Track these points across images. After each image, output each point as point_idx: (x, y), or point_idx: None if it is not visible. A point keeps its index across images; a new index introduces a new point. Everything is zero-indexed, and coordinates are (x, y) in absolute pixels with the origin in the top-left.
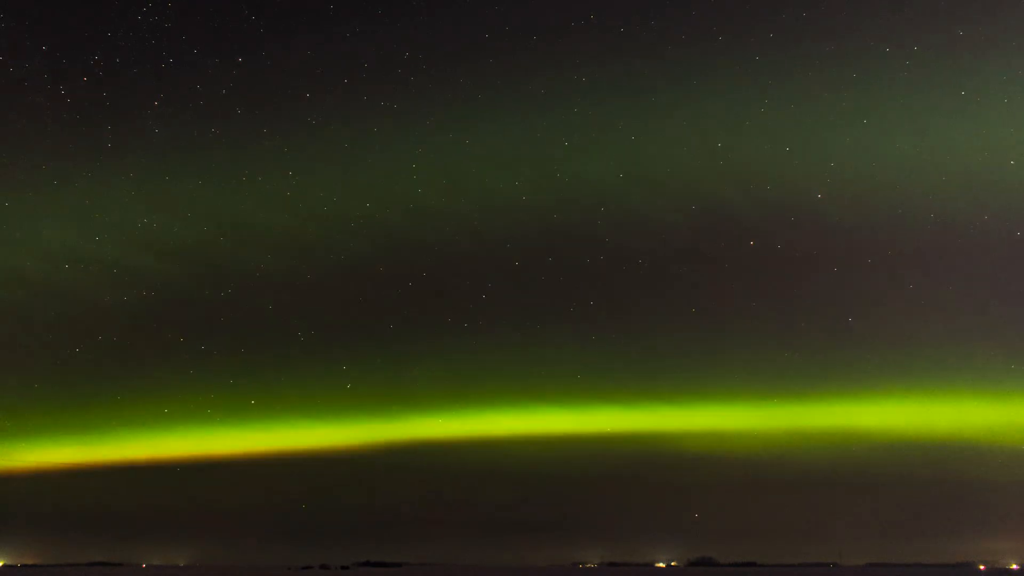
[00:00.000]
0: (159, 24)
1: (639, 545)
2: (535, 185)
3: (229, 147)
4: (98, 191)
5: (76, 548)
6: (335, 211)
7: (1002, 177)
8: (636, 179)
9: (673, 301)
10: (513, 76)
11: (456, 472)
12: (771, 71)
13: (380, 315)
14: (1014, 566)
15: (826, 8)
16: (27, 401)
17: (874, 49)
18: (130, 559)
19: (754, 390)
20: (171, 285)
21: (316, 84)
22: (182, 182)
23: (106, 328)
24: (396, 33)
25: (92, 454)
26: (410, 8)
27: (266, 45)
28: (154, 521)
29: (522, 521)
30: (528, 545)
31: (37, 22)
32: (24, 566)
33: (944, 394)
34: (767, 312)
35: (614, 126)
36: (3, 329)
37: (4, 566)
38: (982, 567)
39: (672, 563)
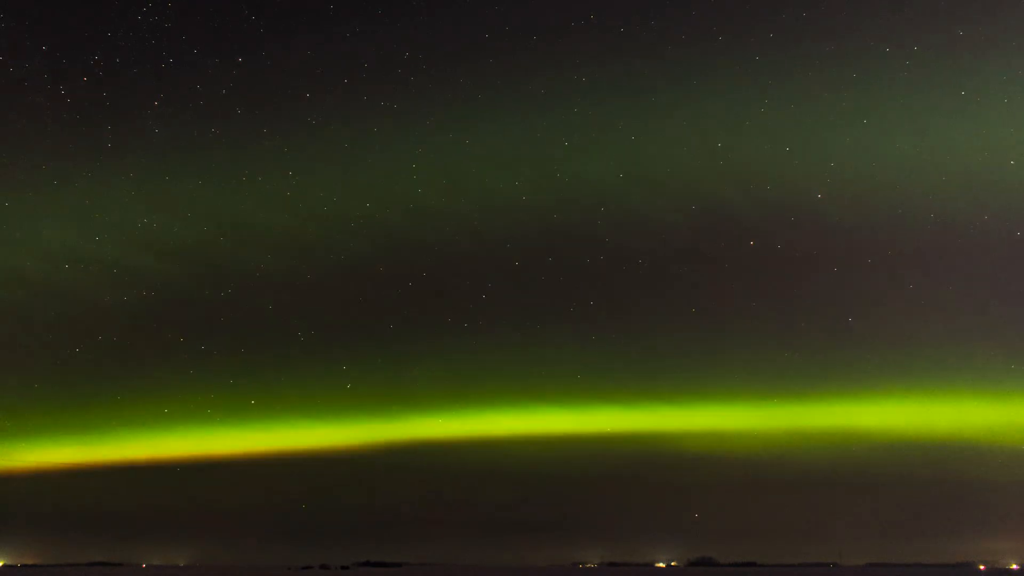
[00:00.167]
0: (159, 24)
1: (639, 545)
2: (535, 185)
3: (229, 147)
4: (98, 191)
5: (76, 548)
6: (335, 211)
7: (1002, 177)
8: (636, 179)
9: (673, 301)
10: (513, 76)
11: (456, 472)
12: (771, 71)
13: (380, 315)
14: (1014, 566)
15: (826, 8)
16: (27, 401)
17: (874, 49)
18: (130, 559)
19: (754, 390)
20: (171, 285)
21: (316, 84)
22: (182, 182)
23: (106, 328)
24: (396, 33)
25: (92, 454)
26: (410, 8)
27: (266, 45)
28: (154, 521)
29: (522, 521)
30: (528, 545)
31: (37, 22)
32: (24, 566)
33: (944, 394)
34: (767, 312)
35: (614, 126)
36: (3, 329)
37: (4, 566)
38: (982, 567)
39: (672, 563)
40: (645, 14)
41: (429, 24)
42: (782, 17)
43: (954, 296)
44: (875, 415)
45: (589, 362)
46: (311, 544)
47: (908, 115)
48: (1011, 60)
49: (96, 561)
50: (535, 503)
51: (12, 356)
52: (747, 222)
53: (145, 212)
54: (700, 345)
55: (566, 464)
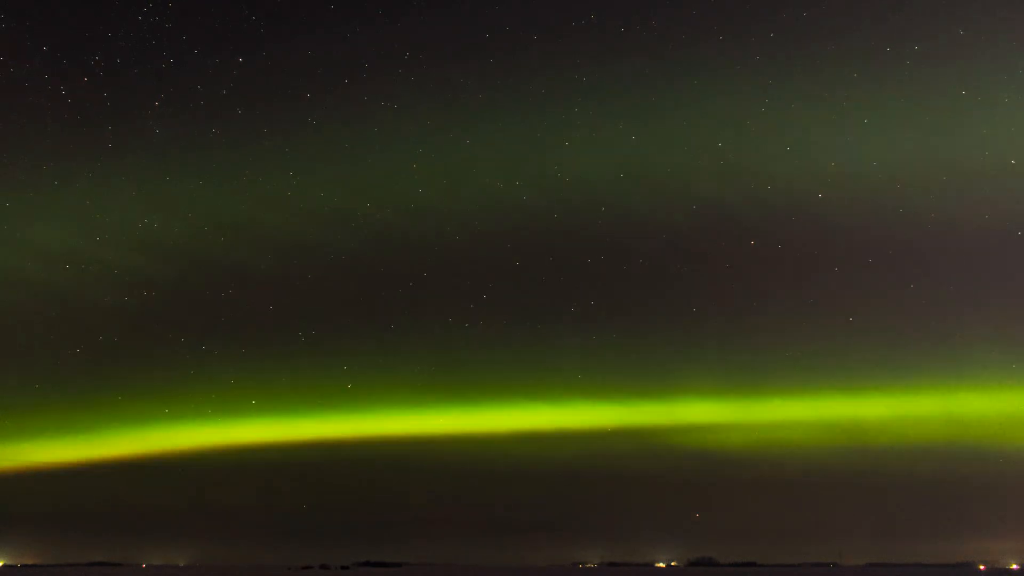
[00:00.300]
0: (159, 24)
1: (639, 545)
2: (535, 185)
3: (229, 147)
4: (99, 191)
5: (76, 548)
6: (335, 211)
7: (1002, 177)
8: (636, 179)
9: (673, 301)
10: (513, 76)
11: (456, 472)
12: (771, 71)
13: (380, 315)
14: (1014, 566)
15: (826, 8)
16: (27, 401)
17: (874, 49)
18: (130, 559)
19: (755, 390)
20: (171, 285)
21: (316, 84)
22: (182, 182)
23: (106, 328)
24: (396, 33)
25: (92, 454)
26: (410, 8)
27: (266, 45)
28: (154, 521)
29: (522, 521)
30: (528, 545)
31: (37, 22)
32: (24, 566)
33: (944, 394)
34: (767, 312)
35: (614, 126)
36: (3, 329)
37: (4, 566)
38: (982, 567)
39: (672, 563)
40: (645, 14)
41: (429, 24)
42: (782, 17)
43: (954, 296)
44: (875, 415)
45: (589, 362)
46: (311, 544)
47: (908, 115)
48: (1011, 60)
49: (96, 561)
50: (535, 503)
51: (12, 356)
52: (747, 222)
53: (145, 212)
54: (700, 345)
55: (566, 464)
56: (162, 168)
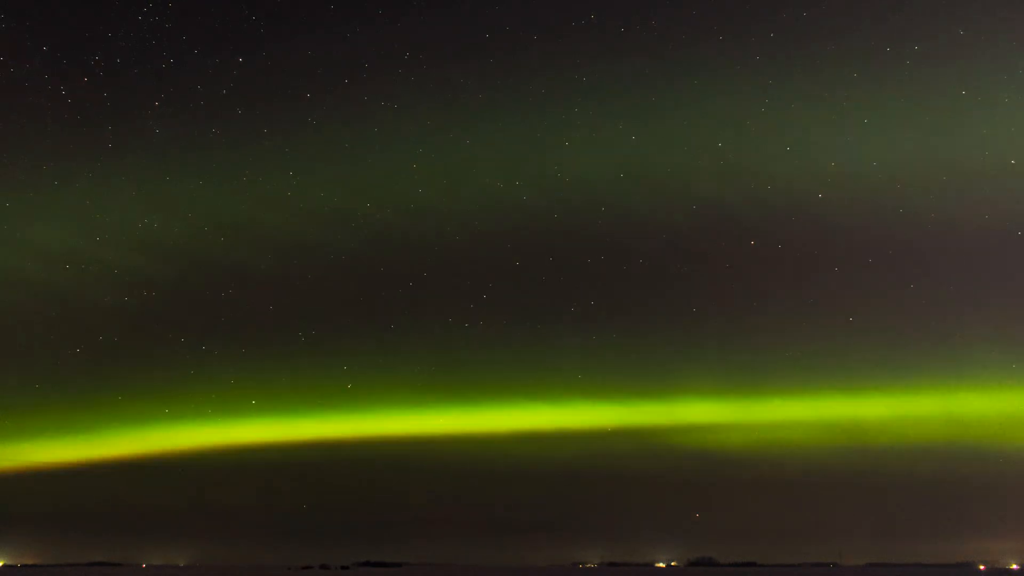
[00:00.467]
0: (159, 24)
1: (639, 545)
2: (535, 185)
3: (229, 147)
4: (99, 191)
5: (76, 548)
6: (335, 211)
7: (1002, 177)
8: (636, 179)
9: (673, 301)
10: (513, 76)
11: (456, 472)
12: (771, 71)
13: (380, 315)
14: (1014, 566)
15: (826, 8)
16: (28, 401)
17: (875, 49)
18: (130, 559)
19: (755, 390)
20: (171, 285)
21: (316, 84)
22: (182, 182)
23: (106, 328)
24: (396, 33)
25: (93, 454)
26: (410, 8)
27: (266, 45)
28: (154, 521)
29: (522, 521)
30: (528, 545)
31: (37, 22)
32: (24, 566)
33: (945, 393)
34: (768, 312)
35: (614, 126)
36: (3, 329)
37: (4, 566)
38: (982, 567)
39: (672, 563)
40: (645, 14)
41: (429, 24)
42: (782, 17)
43: (954, 296)
44: (875, 415)
45: (589, 362)
46: (311, 544)
47: (908, 115)
48: (1011, 60)
49: (96, 561)
50: (535, 503)
51: (12, 356)
52: (747, 222)
53: (145, 212)
54: (700, 345)
55: (566, 464)
56: (162, 168)
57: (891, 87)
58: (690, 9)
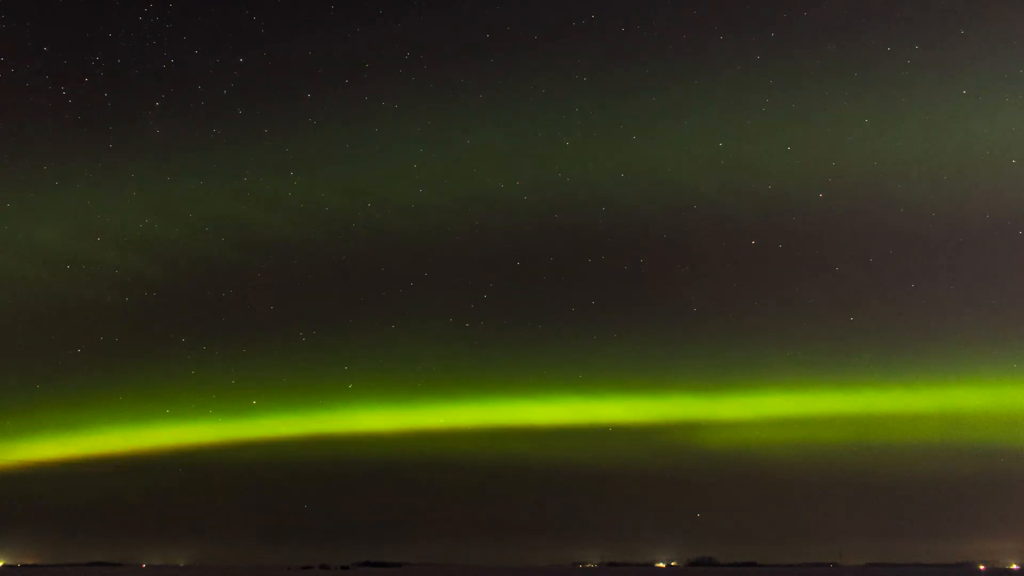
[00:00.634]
0: (160, 25)
1: (639, 545)
2: (535, 185)
3: (230, 147)
4: (99, 192)
5: (76, 548)
6: (335, 211)
7: (1003, 177)
8: (636, 179)
9: (673, 301)
10: (513, 76)
11: (456, 472)
12: (771, 71)
13: (380, 315)
14: (1014, 566)
15: (826, 8)
16: (28, 401)
17: (875, 49)
18: (130, 559)
19: (755, 390)
20: (172, 285)
21: (317, 84)
22: (183, 182)
23: (107, 328)
24: (396, 33)
25: (93, 454)
26: (410, 8)
27: (266, 45)
28: (154, 521)
29: (522, 521)
30: (528, 545)
31: (38, 22)
32: (24, 566)
33: (945, 393)
34: (768, 312)
35: (614, 126)
36: (3, 329)
37: (4, 566)
38: (982, 567)
39: (672, 563)
40: (645, 14)
41: (429, 24)
42: (782, 17)
43: (955, 295)
44: (876, 414)
45: (589, 362)
46: (311, 544)
47: (909, 114)
48: (1011, 60)
49: (96, 561)
50: (535, 503)
51: (12, 356)
52: (747, 222)
53: (146, 212)
54: (700, 345)
55: (567, 464)
56: (162, 168)
57: (891, 87)
58: (690, 9)
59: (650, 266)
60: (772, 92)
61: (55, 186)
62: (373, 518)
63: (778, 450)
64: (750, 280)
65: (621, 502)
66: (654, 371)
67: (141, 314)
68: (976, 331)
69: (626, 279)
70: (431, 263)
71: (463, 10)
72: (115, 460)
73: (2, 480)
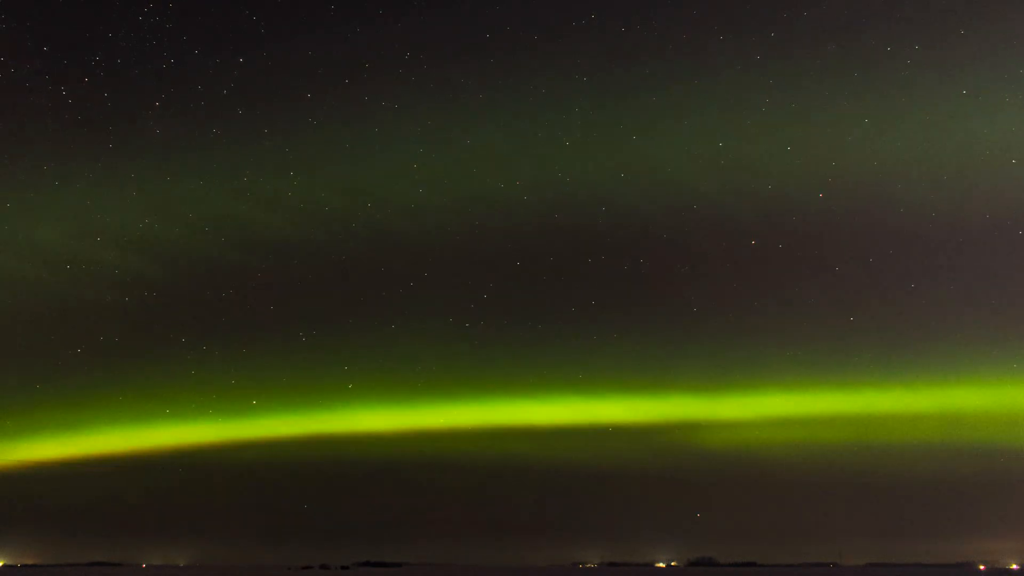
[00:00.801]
0: (160, 25)
1: (639, 545)
2: (535, 185)
3: (230, 147)
4: (99, 192)
5: (76, 548)
6: (335, 211)
7: (1003, 177)
8: (636, 179)
9: (673, 301)
10: (513, 76)
11: (456, 471)
12: (771, 71)
13: (380, 315)
14: (1014, 566)
15: (826, 8)
16: (28, 401)
17: (875, 49)
18: (130, 559)
19: (754, 390)
20: (172, 285)
21: (317, 84)
22: (183, 182)
23: (107, 328)
24: (396, 33)
25: (93, 454)
26: (410, 8)
27: (266, 45)
28: (154, 521)
29: (522, 521)
30: (528, 545)
31: (38, 22)
32: (24, 566)
33: (945, 393)
34: (768, 312)
35: (614, 126)
36: (3, 329)
37: (4, 566)
38: (982, 567)
39: (672, 563)
40: (645, 14)
41: (429, 24)
42: (782, 17)
43: (955, 295)
44: (876, 415)
45: (589, 362)
46: (311, 544)
47: (909, 114)
48: (1012, 60)
49: (96, 561)
50: (535, 503)
51: (13, 356)
52: (747, 222)
53: (146, 212)
54: (700, 345)
55: (566, 464)
56: (162, 168)
57: (891, 87)
58: (690, 9)
59: (650, 266)
60: (772, 92)
61: (55, 186)
62: (373, 518)
63: (778, 450)
64: (750, 280)
65: (621, 502)
66: (654, 371)
67: (141, 314)
68: (976, 331)
69: (626, 279)
70: (431, 263)
71: (463, 10)
72: (115, 460)
73: (2, 480)
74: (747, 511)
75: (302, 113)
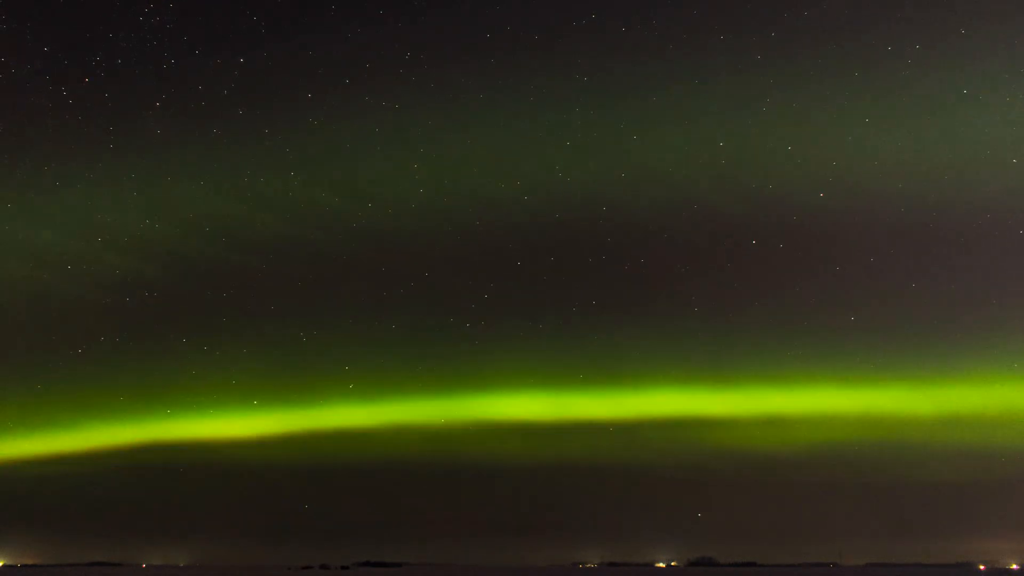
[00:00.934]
0: (160, 25)
1: (639, 545)
2: (535, 185)
3: (230, 147)
4: (99, 192)
5: (76, 548)
6: (335, 211)
7: (1003, 176)
8: (636, 179)
9: (673, 301)
10: (513, 76)
11: (456, 471)
12: (771, 71)
13: (381, 315)
14: (1014, 566)
15: (826, 8)
16: (28, 401)
17: (875, 48)
18: (130, 559)
19: (755, 389)
20: (172, 286)
21: (317, 84)
22: (183, 182)
23: (108, 329)
24: (396, 33)
25: (93, 454)
26: (410, 8)
27: (267, 45)
28: (154, 521)
29: (522, 521)
30: (528, 545)
31: (38, 22)
32: (24, 566)
33: (945, 393)
34: (768, 312)
35: (614, 126)
36: (4, 329)
37: (4, 566)
38: (982, 567)
39: (672, 563)
40: (645, 14)
41: (429, 24)
42: (782, 17)
43: (955, 295)
44: (876, 415)
45: (589, 362)
46: (311, 544)
47: (910, 114)
48: (1012, 60)
49: (96, 561)
50: (535, 503)
51: (13, 356)
52: (747, 222)
53: (146, 213)
54: (701, 345)
55: (567, 463)
56: (163, 168)
57: (892, 87)
58: (690, 9)
59: (650, 266)
60: (772, 92)
61: (55, 186)
62: (373, 518)
63: (778, 450)
64: (750, 280)
65: (621, 502)
66: (654, 371)
67: (141, 314)
68: (976, 331)
69: (626, 279)
70: (431, 263)
71: (463, 10)
72: (115, 460)
73: (2, 480)
74: (747, 511)
75: (302, 113)
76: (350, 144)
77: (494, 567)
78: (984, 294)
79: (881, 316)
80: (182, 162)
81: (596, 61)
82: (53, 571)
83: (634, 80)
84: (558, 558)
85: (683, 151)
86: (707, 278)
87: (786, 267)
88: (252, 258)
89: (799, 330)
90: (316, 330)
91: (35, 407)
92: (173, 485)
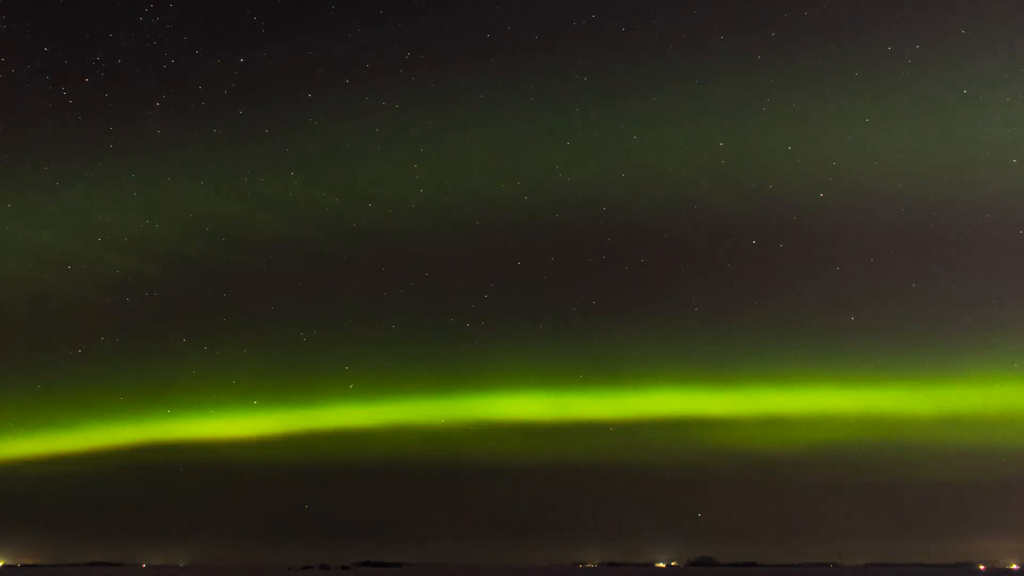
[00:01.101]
0: (160, 25)
1: (639, 545)
2: (535, 185)
3: (230, 147)
4: (99, 192)
5: (76, 548)
6: (335, 211)
7: (1003, 177)
8: (636, 179)
9: (673, 301)
10: (513, 76)
11: (456, 471)
12: (771, 71)
13: (381, 315)
14: (1014, 566)
15: (826, 8)
16: (28, 401)
17: (875, 48)
18: (130, 559)
19: (755, 389)
20: (172, 286)
21: (317, 84)
22: (183, 182)
23: (108, 329)
24: (396, 33)
25: (93, 454)
26: (410, 8)
27: (267, 45)
28: (154, 521)
29: (522, 521)
30: (528, 545)
31: (38, 22)
32: (24, 566)
33: (945, 393)
34: (768, 312)
35: (614, 126)
36: (4, 329)
37: (4, 566)
38: (982, 567)
39: (672, 563)
40: (645, 14)
41: (429, 24)
42: (782, 17)
43: (955, 295)
44: (876, 415)
45: (589, 362)
46: (311, 544)
47: (910, 114)
48: (1012, 60)
49: (96, 561)
50: (535, 503)
51: (13, 356)
52: (747, 222)
53: (146, 213)
54: (701, 345)
55: (567, 463)
56: (163, 168)
57: (892, 87)
58: (690, 9)
59: (650, 266)
60: (772, 92)
61: (55, 186)
62: (373, 518)
63: (778, 450)
64: (750, 280)
65: (621, 502)
66: (654, 371)
67: (141, 314)
68: (976, 331)
69: (626, 279)
70: (431, 263)
71: (463, 10)
72: (115, 460)
73: (2, 480)
74: (747, 511)
75: (302, 113)
76: (350, 144)
77: (494, 567)
78: (984, 294)
79: (881, 316)
80: (182, 162)
81: (596, 61)
82: (53, 571)
83: (634, 80)
84: (558, 558)
85: (683, 151)
86: (707, 278)
87: (786, 267)
88: (252, 258)
89: (799, 330)
90: (316, 330)
91: (35, 407)
92: (173, 485)
